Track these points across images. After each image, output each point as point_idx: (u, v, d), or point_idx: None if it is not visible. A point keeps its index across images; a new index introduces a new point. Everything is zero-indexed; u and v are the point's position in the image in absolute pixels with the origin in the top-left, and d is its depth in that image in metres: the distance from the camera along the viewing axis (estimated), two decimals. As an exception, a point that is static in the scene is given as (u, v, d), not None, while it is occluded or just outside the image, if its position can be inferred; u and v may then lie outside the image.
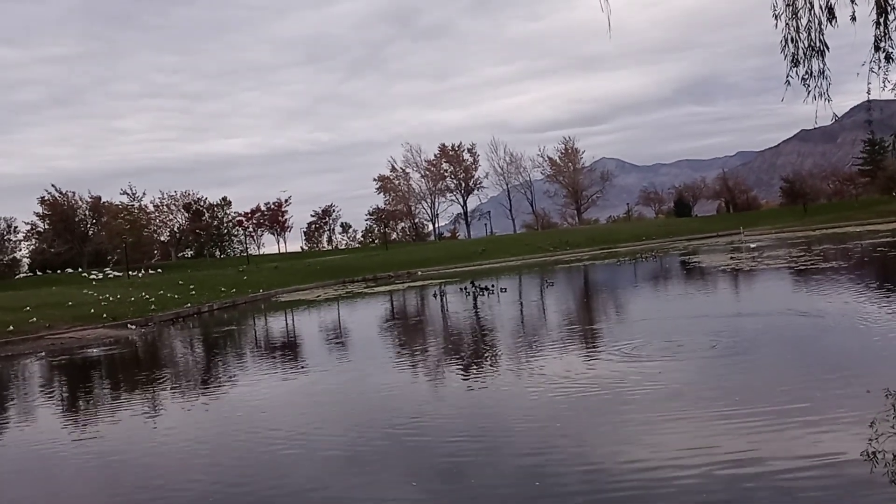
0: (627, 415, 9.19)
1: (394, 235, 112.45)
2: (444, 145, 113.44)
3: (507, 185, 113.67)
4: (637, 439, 8.17)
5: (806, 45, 8.51)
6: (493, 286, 32.11)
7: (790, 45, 8.56)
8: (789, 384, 9.87)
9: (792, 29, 8.54)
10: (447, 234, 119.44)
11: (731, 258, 36.66)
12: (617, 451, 7.86)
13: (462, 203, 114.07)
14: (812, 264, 28.42)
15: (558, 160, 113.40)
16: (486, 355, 15.59)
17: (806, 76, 8.71)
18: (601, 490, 6.83)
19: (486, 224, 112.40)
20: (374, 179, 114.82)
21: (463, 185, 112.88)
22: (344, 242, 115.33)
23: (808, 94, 8.85)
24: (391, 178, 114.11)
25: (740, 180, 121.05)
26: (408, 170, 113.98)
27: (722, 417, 8.60)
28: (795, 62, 8.64)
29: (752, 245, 44.87)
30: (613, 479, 7.04)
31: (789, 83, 8.76)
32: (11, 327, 27.22)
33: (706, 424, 8.43)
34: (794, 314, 15.88)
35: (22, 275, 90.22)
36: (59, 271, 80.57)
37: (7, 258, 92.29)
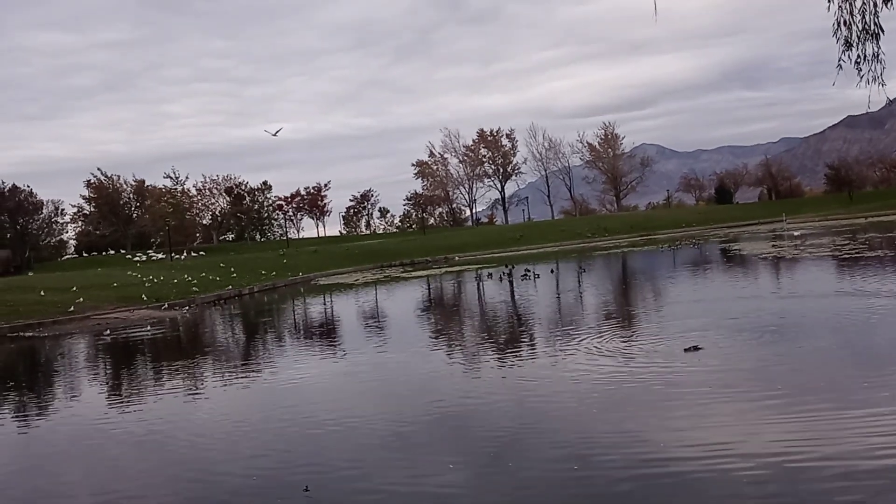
0: (670, 399, 9.15)
1: (431, 220, 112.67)
2: (482, 130, 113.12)
3: (545, 170, 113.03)
4: (679, 425, 8.12)
5: (860, 28, 8.31)
6: (531, 271, 31.99)
7: (843, 28, 8.36)
8: (836, 372, 9.75)
9: (845, 11, 8.35)
10: (484, 220, 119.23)
11: (774, 246, 36.09)
12: (660, 434, 7.83)
13: (500, 189, 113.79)
14: (858, 253, 27.87)
15: (598, 146, 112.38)
16: (525, 339, 15.60)
17: (859, 60, 8.51)
18: (641, 474, 6.80)
19: (523, 210, 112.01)
20: (413, 165, 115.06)
21: (501, 170, 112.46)
22: (382, 227, 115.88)
23: (861, 78, 8.66)
24: (429, 163, 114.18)
25: (784, 167, 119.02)
26: (446, 155, 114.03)
27: (768, 402, 8.52)
28: (848, 45, 8.45)
29: (796, 233, 44.07)
30: (655, 464, 7.01)
31: (841, 67, 8.57)
32: (60, 307, 27.90)
33: (752, 410, 8.36)
34: (842, 303, 15.61)
35: (68, 256, 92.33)
36: (103, 253, 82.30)
37: (55, 240, 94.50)
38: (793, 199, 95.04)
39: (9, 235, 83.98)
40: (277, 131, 61.70)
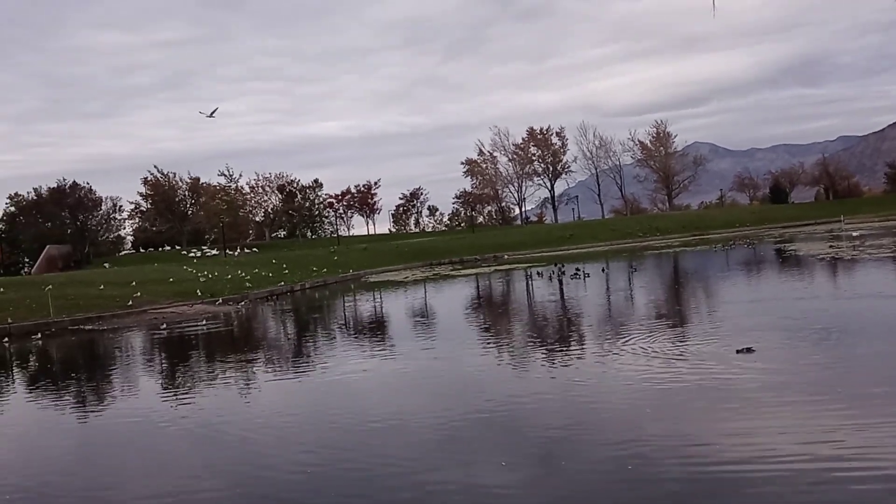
0: (723, 402, 9.01)
1: (480, 219, 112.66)
2: (532, 129, 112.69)
3: (595, 169, 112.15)
4: (733, 428, 7.99)
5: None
6: (581, 270, 31.80)
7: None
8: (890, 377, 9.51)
9: (913, 5, 8.07)
10: (534, 219, 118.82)
11: (831, 247, 35.23)
12: (714, 437, 7.73)
13: (549, 187, 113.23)
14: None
15: (649, 144, 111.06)
16: (575, 339, 15.52)
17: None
18: (696, 475, 6.73)
19: (573, 209, 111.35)
20: (462, 163, 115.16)
21: (551, 168, 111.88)
22: (431, 225, 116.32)
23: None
24: (479, 161, 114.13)
25: (841, 166, 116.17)
26: (495, 153, 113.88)
27: (826, 407, 8.35)
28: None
29: (855, 233, 42.93)
30: (710, 465, 6.93)
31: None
32: (119, 301, 28.66)
33: (808, 416, 8.20)
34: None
35: (125, 252, 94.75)
36: (160, 249, 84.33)
37: (113, 236, 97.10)
38: (851, 198, 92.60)
39: (69, 231, 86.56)
40: (213, 112, 59.56)
